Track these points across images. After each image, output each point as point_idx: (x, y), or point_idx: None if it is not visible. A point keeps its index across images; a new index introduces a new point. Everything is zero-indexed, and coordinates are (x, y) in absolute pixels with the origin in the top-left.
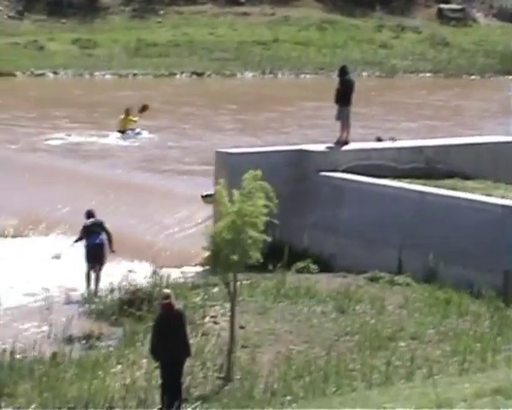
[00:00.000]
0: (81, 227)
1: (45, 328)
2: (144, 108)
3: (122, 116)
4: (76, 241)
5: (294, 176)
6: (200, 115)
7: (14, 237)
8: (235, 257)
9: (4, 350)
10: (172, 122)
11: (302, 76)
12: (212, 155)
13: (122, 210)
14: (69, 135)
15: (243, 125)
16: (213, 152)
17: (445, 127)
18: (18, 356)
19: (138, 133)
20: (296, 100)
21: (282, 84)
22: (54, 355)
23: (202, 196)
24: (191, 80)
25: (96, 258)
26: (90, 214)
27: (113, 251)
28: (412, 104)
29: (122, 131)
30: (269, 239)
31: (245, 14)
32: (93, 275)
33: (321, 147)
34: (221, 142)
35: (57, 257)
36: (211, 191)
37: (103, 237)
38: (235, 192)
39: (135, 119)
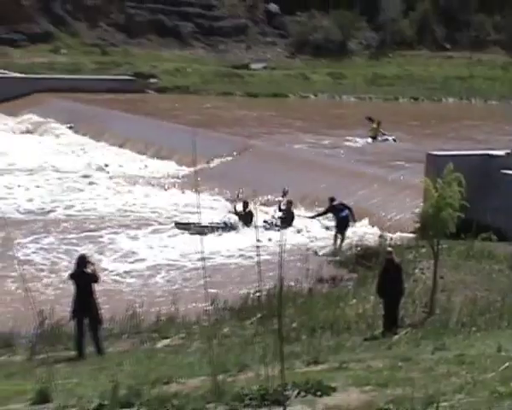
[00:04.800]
0: (328, 207)
1: (304, 271)
2: (379, 123)
3: (373, 125)
4: (317, 216)
5: (481, 172)
6: (419, 128)
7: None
8: (437, 228)
9: (276, 285)
10: (403, 132)
11: (489, 102)
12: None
13: (360, 192)
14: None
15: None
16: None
17: None
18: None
19: (386, 139)
20: (472, 119)
21: (472, 107)
22: (310, 290)
23: (175, 224)
24: (410, 103)
25: (343, 226)
26: (333, 199)
27: (354, 221)
28: None
29: (373, 137)
30: (462, 216)
31: (450, 57)
32: (339, 237)
33: (502, 152)
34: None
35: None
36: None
37: (347, 211)
38: (439, 182)
39: (381, 129)
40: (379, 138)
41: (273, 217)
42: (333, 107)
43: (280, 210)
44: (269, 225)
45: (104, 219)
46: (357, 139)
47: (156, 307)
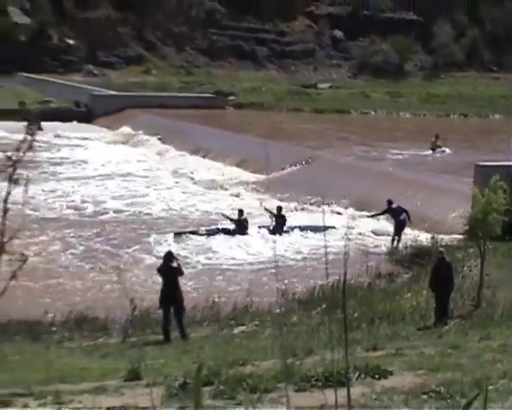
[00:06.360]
0: (386, 208)
1: (363, 268)
2: (437, 137)
3: (433, 139)
4: (375, 215)
5: None
6: (467, 140)
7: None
8: (484, 230)
9: (339, 280)
10: (457, 144)
11: None
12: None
13: (415, 198)
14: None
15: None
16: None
17: None
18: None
19: (443, 151)
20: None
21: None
22: (369, 285)
23: (174, 234)
24: (460, 119)
25: (400, 229)
26: (391, 202)
27: (410, 222)
28: None
29: (432, 149)
30: (506, 220)
31: (496, 78)
32: (396, 238)
33: None
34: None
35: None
36: (181, 231)
37: (404, 215)
38: (486, 189)
39: (440, 143)
40: (437, 150)
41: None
42: (389, 122)
43: (271, 216)
44: (262, 230)
45: (189, 219)
46: (414, 151)
47: (232, 298)
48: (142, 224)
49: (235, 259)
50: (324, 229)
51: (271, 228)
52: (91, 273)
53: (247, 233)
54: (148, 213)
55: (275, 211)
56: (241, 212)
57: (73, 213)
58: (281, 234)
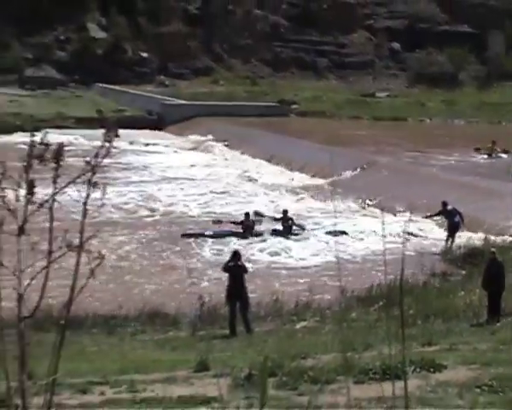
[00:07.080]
0: (441, 209)
1: (419, 267)
2: (494, 143)
3: (489, 145)
4: (430, 216)
5: None
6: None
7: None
8: None
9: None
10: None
11: None
12: None
13: (469, 201)
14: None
15: None
16: None
17: None
18: (404, 281)
19: (499, 157)
20: None
21: None
22: (424, 283)
23: (181, 235)
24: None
25: (454, 231)
26: (445, 203)
27: (463, 223)
28: None
29: (489, 154)
30: None
31: None
32: (450, 239)
33: None
34: None
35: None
36: (189, 232)
37: (458, 217)
38: None
39: (498, 149)
40: (493, 155)
41: (275, 227)
42: (444, 129)
43: (276, 220)
44: (277, 234)
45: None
46: (468, 157)
47: (292, 297)
48: (196, 225)
49: (280, 262)
50: (337, 234)
51: (278, 231)
52: (159, 271)
53: (254, 235)
54: (210, 213)
55: (278, 215)
56: (247, 215)
57: (146, 213)
58: (288, 237)
